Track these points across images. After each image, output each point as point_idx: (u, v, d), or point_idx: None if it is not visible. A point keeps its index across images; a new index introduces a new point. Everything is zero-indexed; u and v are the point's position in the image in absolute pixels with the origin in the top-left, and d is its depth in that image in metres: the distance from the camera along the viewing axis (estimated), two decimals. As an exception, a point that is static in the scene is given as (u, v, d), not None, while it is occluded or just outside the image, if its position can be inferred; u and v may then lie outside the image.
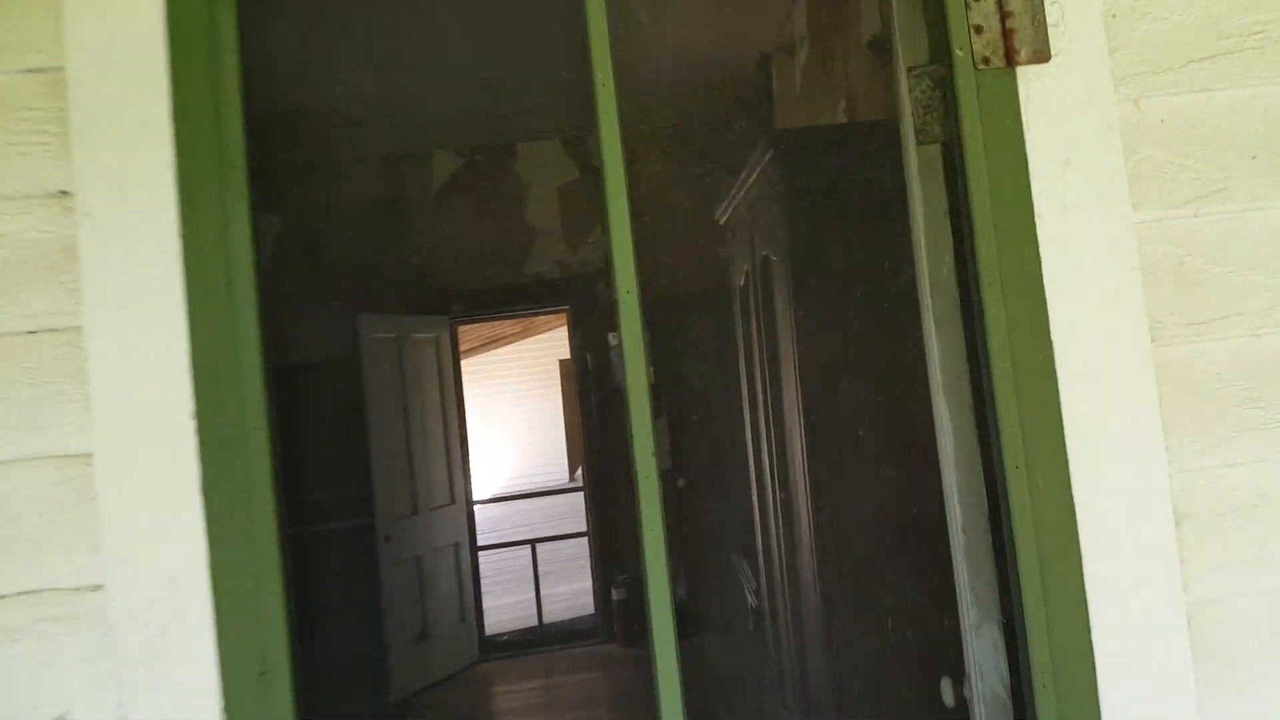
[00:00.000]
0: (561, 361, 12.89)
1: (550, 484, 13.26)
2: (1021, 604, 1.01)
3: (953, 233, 1.27)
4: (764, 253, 2.60)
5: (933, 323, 1.23)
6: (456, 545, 5.50)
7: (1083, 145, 1.10)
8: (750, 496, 3.22)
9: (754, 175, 2.50)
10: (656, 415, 5.64)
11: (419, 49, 4.26)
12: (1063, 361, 1.05)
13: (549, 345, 12.15)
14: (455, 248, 5.61)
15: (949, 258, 1.25)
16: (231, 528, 1.11)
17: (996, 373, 1.04)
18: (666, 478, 5.56)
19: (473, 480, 5.71)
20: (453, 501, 5.51)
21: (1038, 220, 1.08)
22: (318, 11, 3.95)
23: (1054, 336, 1.06)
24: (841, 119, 2.85)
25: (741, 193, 2.71)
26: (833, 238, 2.22)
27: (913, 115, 1.31)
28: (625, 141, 1.16)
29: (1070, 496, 1.03)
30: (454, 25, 4.10)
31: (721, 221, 3.20)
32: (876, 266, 2.16)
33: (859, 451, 2.18)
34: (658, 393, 5.57)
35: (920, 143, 1.30)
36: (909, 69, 1.32)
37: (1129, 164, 1.11)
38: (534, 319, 10.35)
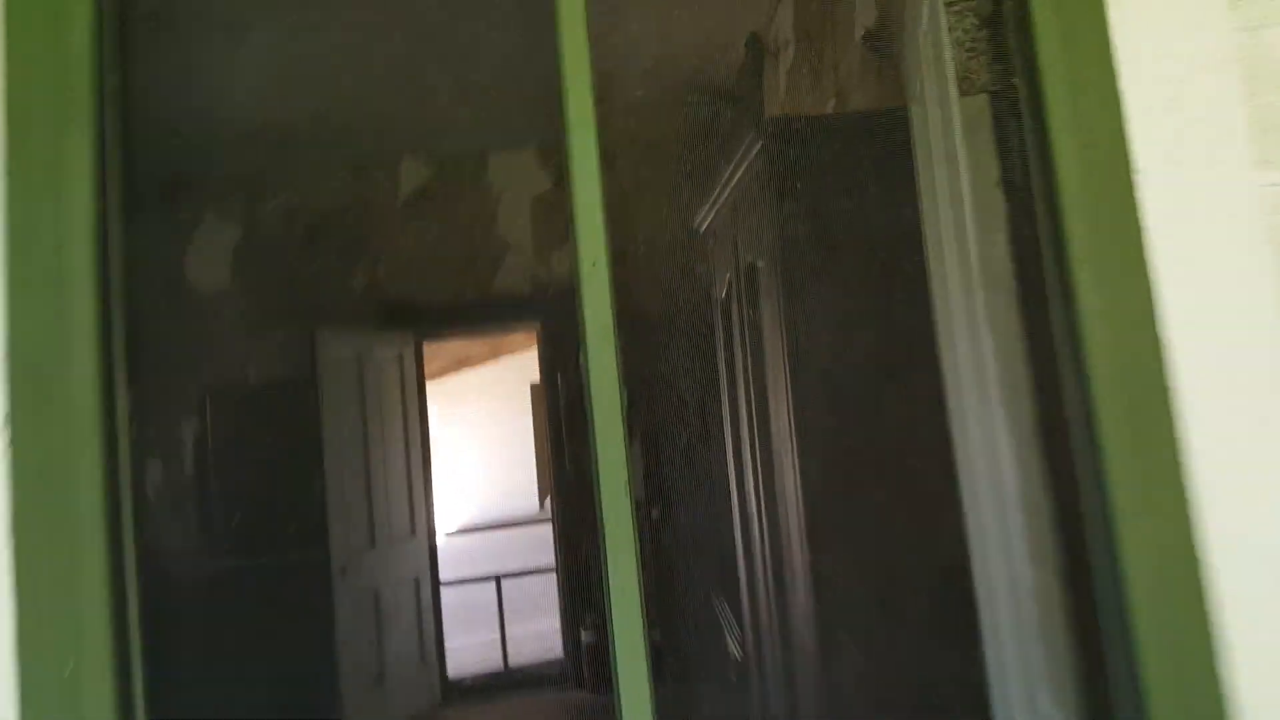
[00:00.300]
0: (534, 386, 12.55)
1: (518, 515, 12.87)
2: (1142, 708, 0.72)
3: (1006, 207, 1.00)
4: (749, 259, 2.34)
5: (985, 320, 0.96)
6: (417, 580, 5.15)
7: (1190, 84, 0.84)
8: (733, 531, 2.93)
9: (739, 173, 2.24)
10: (630, 439, 5.34)
11: (385, 51, 4.01)
12: (1180, 365, 0.78)
13: (520, 368, 11.82)
14: (422, 261, 5.31)
15: (1002, 238, 0.99)
16: (47, 585, 0.81)
17: (1097, 379, 0.76)
18: (640, 508, 5.25)
19: (436, 511, 5.38)
20: (414, 533, 5.17)
21: (1138, 179, 0.82)
22: (274, 11, 3.68)
23: (1167, 333, 0.79)
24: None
25: (724, 194, 2.45)
26: (830, 239, 1.96)
27: (954, 61, 1.05)
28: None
29: (1195, 554, 0.75)
30: (422, 26, 3.85)
31: (701, 229, 2.94)
32: (881, 270, 1.90)
33: (862, 486, 1.91)
34: (629, 416, 5.27)
35: (963, 94, 1.04)
36: (948, 4, 1.07)
37: (1249, 110, 0.86)
38: (504, 340, 10.04)
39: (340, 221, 5.30)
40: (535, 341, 9.23)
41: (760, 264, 2.21)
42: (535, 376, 12.28)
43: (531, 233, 5.34)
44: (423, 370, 5.37)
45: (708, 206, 2.66)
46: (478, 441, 12.83)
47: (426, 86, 4.38)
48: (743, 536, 2.79)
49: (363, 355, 4.92)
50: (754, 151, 2.05)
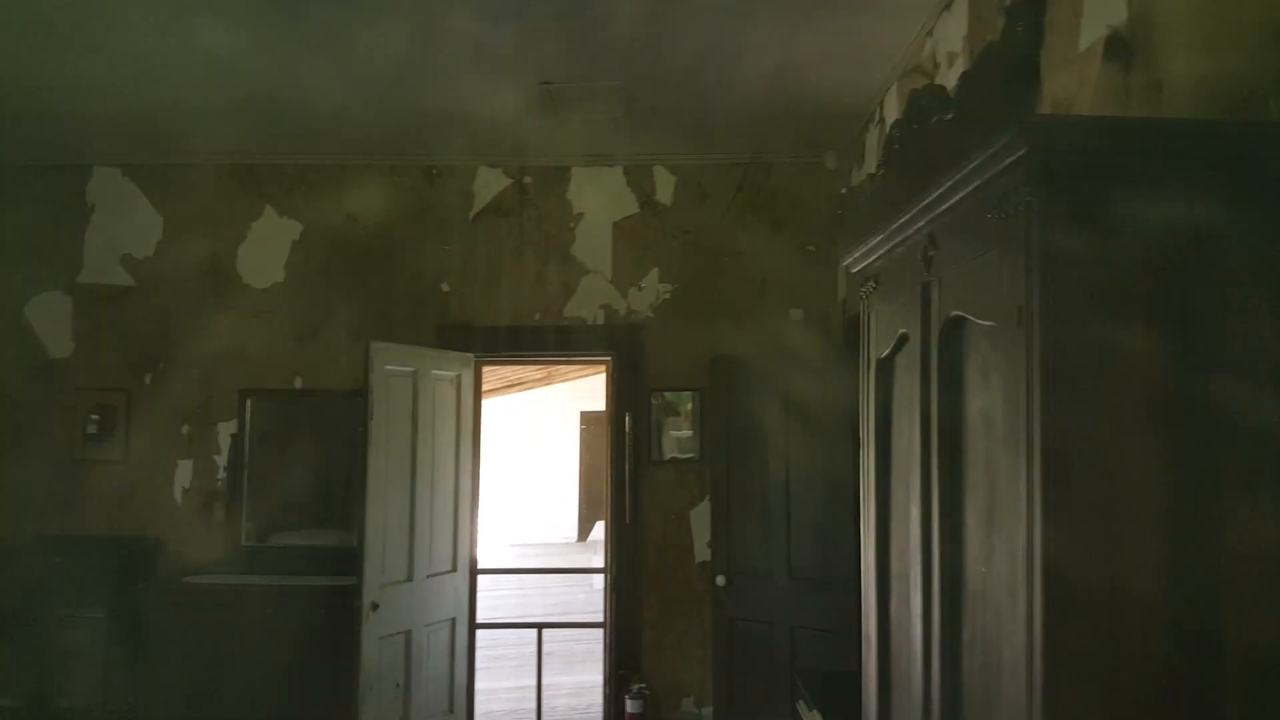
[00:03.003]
0: (584, 413, 11.85)
1: (558, 540, 12.12)
2: None
3: None
4: (955, 313, 1.66)
5: None
6: (454, 621, 4.47)
7: None
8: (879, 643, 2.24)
9: (960, 194, 1.57)
10: (695, 500, 4.62)
11: (466, 44, 3.37)
12: None
13: (571, 395, 11.17)
14: (491, 278, 4.68)
15: None
16: None
17: None
18: (705, 573, 4.52)
19: (479, 545, 4.71)
20: (454, 569, 4.50)
21: None
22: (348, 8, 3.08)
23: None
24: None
25: (919, 224, 1.78)
26: (1140, 300, 1.29)
27: None
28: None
29: None
30: (514, 19, 3.22)
31: (855, 269, 2.26)
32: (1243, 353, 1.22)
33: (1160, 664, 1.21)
34: (698, 468, 4.57)
35: None
36: None
37: None
38: (558, 367, 9.39)
39: (407, 230, 4.70)
40: (589, 370, 8.58)
41: (986, 321, 1.52)
42: (585, 404, 11.65)
43: (611, 259, 4.69)
44: (480, 395, 4.72)
45: (879, 241, 1.98)
46: (520, 466, 12.12)
47: (514, 85, 3.75)
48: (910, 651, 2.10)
49: (419, 372, 4.28)
50: (1002, 164, 1.37)
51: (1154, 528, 1.29)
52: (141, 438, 4.63)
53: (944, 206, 1.66)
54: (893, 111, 3.64)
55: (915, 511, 1.83)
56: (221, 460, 4.64)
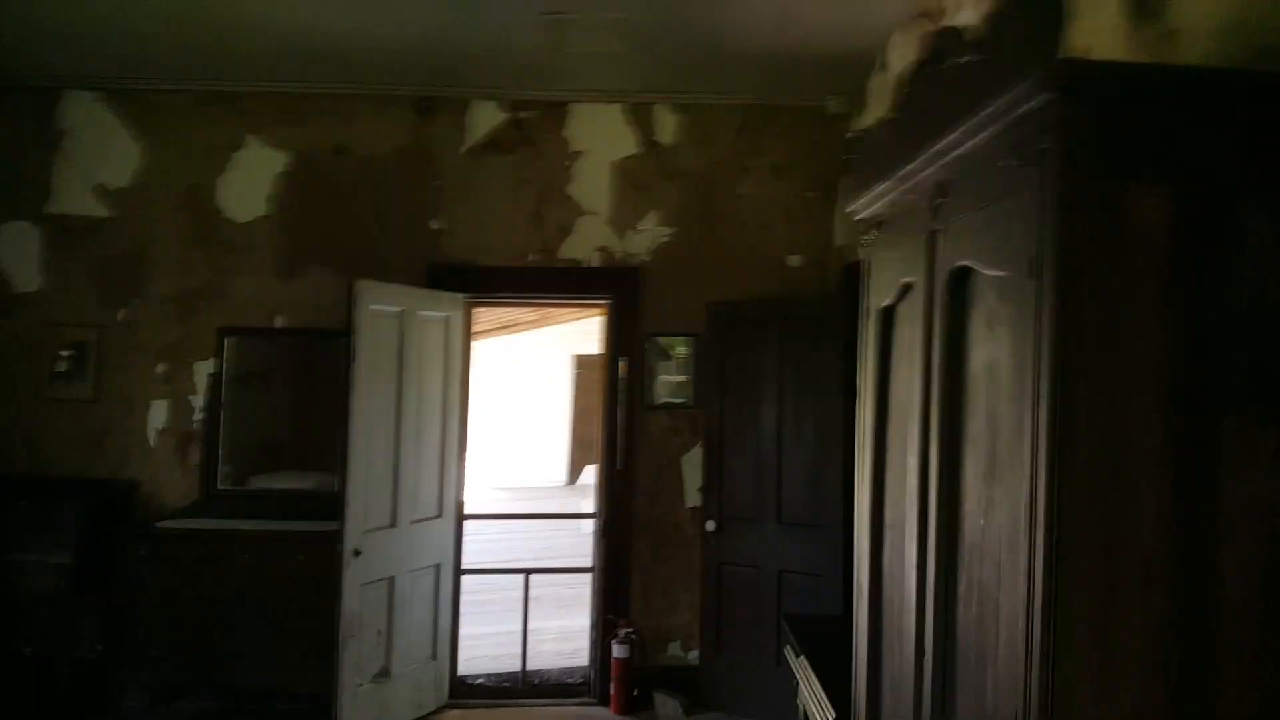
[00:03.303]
0: (578, 356, 11.84)
1: (547, 484, 12.19)
2: None
3: None
4: (962, 262, 1.63)
5: None
6: (438, 567, 4.47)
7: None
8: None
9: (975, 140, 1.53)
10: (687, 445, 4.61)
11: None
12: None
13: (564, 338, 11.12)
14: (484, 217, 4.60)
15: None
16: None
17: None
18: (695, 518, 4.56)
19: (465, 489, 4.70)
20: (440, 515, 4.49)
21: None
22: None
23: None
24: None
25: (929, 170, 1.74)
26: (1159, 254, 1.26)
27: None
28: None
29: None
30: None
31: (860, 215, 2.21)
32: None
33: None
34: (691, 414, 4.58)
35: None
36: None
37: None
38: (551, 309, 9.34)
39: (397, 164, 4.60)
40: (582, 314, 8.54)
41: (990, 271, 1.50)
42: (579, 347, 11.61)
43: (609, 200, 4.62)
44: (470, 337, 4.69)
45: (890, 185, 1.94)
46: (514, 407, 12.12)
47: (512, 11, 3.62)
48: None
49: (406, 313, 4.22)
50: (1023, 108, 1.33)
51: (1158, 484, 1.28)
52: (114, 376, 4.50)
53: (957, 152, 1.62)
54: (898, 56, 3.56)
55: (913, 462, 1.82)
56: (198, 400, 4.55)
